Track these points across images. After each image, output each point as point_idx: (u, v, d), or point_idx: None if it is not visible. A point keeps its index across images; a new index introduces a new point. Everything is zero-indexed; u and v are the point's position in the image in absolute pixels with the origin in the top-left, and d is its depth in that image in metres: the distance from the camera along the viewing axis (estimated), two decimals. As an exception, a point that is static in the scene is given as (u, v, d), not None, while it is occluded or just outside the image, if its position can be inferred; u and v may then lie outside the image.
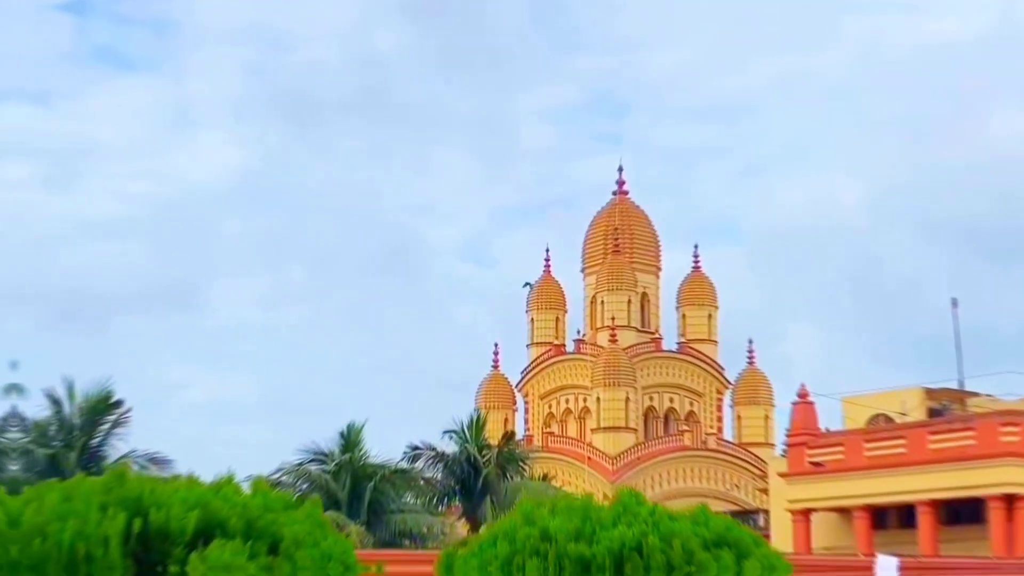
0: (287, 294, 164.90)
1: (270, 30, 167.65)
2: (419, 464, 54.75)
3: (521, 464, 57.84)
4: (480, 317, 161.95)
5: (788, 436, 47.16)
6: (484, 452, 56.02)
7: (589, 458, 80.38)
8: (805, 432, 46.49)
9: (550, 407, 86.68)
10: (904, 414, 50.23)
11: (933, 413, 52.73)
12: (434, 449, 55.76)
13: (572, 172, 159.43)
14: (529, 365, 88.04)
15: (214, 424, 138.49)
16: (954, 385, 53.96)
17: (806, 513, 45.88)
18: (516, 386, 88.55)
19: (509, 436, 60.23)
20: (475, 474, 54.89)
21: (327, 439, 51.90)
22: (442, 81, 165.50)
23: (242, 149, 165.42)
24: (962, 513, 44.85)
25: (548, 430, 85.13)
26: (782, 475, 46.06)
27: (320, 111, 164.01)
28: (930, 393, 52.96)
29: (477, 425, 57.83)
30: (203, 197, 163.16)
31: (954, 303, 55.41)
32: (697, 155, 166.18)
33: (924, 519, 43.68)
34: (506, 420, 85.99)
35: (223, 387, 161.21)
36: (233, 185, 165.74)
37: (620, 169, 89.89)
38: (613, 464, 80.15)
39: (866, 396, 53.59)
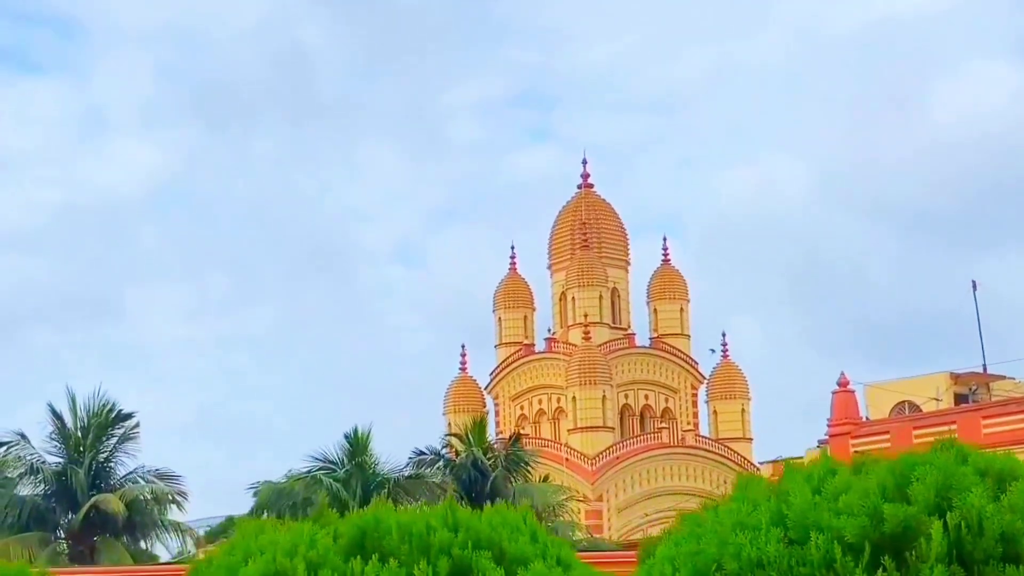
0: (210, 304, 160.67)
1: (183, 29, 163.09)
2: (426, 470, 52.45)
3: (526, 466, 55.74)
4: (414, 320, 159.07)
5: (829, 426, 45.27)
6: (489, 455, 54.02)
7: (567, 459, 78.22)
8: (848, 421, 44.66)
9: (522, 408, 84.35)
10: (938, 400, 48.78)
11: (960, 398, 51.33)
12: (439, 454, 53.65)
13: (504, 168, 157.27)
14: (498, 366, 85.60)
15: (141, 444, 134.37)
16: (979, 369, 52.67)
17: (852, 505, 44.10)
18: (485, 388, 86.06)
19: (514, 437, 57.99)
20: (482, 478, 52.64)
21: (332, 446, 49.31)
22: (365, 76, 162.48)
23: (158, 153, 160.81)
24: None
25: (521, 432, 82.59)
26: (826, 467, 44.15)
27: (239, 111, 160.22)
28: (956, 378, 51.60)
29: (480, 427, 55.76)
30: (117, 204, 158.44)
31: (974, 286, 54.05)
32: (633, 148, 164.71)
33: (978, 506, 42.03)
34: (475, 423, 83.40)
35: (147, 404, 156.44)
36: (149, 191, 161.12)
37: (584, 162, 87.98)
38: (592, 464, 78.05)
39: (889, 383, 52.10)
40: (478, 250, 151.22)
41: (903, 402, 51.01)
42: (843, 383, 45.47)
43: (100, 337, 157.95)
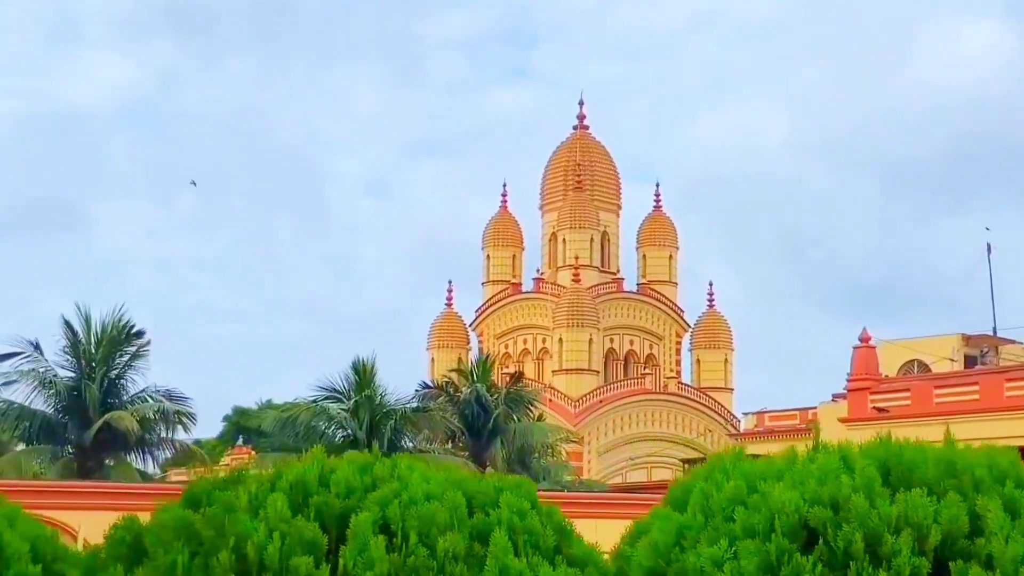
0: (175, 223, 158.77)
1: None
2: (431, 404, 51.95)
3: (528, 406, 55.34)
4: (384, 253, 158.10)
5: (849, 380, 45.05)
6: (492, 393, 53.63)
7: (550, 400, 77.81)
8: (868, 377, 44.43)
9: (506, 347, 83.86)
10: (953, 360, 48.65)
11: (969, 360, 51.24)
12: (445, 389, 53.22)
13: (483, 105, 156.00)
14: (484, 303, 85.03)
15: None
16: (989, 331, 52.64)
17: (866, 460, 43.91)
18: (470, 325, 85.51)
19: (517, 377, 57.55)
20: (484, 414, 52.25)
21: (339, 375, 48.56)
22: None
23: (130, 67, 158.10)
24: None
25: (505, 371, 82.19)
26: (843, 420, 43.91)
27: (216, 28, 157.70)
28: (967, 340, 51.48)
29: (484, 365, 55.28)
30: (86, 117, 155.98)
31: (988, 248, 54.01)
32: (615, 90, 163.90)
33: (998, 466, 41.95)
34: (459, 359, 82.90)
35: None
36: (119, 105, 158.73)
37: (581, 103, 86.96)
38: (575, 407, 77.79)
39: (900, 342, 51.88)
40: (454, 187, 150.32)
41: (912, 360, 50.82)
42: (864, 339, 45.23)
43: (62, 250, 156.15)
